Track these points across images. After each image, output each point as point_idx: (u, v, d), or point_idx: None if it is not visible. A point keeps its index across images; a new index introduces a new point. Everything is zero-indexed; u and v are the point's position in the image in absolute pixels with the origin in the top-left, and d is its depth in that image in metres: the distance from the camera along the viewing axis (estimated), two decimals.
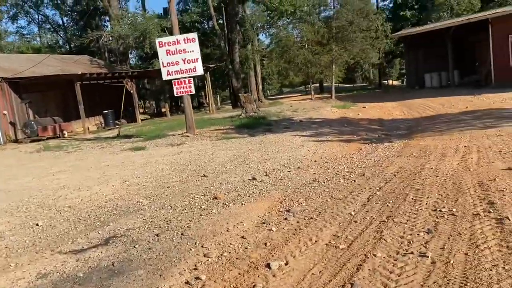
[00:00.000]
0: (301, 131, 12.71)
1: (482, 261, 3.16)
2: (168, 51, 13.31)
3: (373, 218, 4.42)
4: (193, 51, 13.37)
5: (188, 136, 13.57)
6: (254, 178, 6.96)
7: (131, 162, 9.76)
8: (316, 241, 3.99)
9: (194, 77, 13.93)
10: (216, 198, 5.94)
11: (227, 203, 5.67)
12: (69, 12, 43.63)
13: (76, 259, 4.15)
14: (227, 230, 4.60)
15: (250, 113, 18.10)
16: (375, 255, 3.49)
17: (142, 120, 25.58)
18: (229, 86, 33.81)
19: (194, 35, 13.55)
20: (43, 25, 45.86)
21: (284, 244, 4.02)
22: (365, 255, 3.53)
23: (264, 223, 4.73)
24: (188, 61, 13.37)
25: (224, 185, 6.72)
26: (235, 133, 13.73)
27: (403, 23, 37.30)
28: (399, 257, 3.42)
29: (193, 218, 5.13)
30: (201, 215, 5.25)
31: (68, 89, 21.00)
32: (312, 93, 29.92)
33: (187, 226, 4.84)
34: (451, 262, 3.21)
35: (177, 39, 13.31)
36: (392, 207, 4.69)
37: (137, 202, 6.21)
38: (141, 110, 33.72)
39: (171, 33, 15.45)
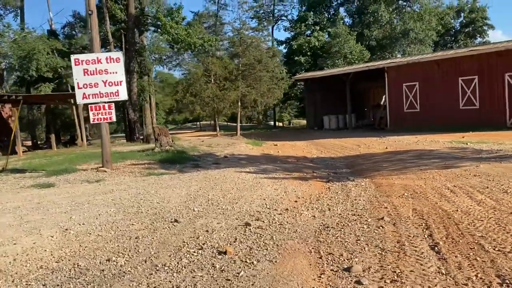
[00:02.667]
0: (240, 168, 11.55)
1: None
2: (86, 71, 11.22)
3: (481, 277, 3.46)
4: (116, 72, 11.51)
5: (105, 171, 11.41)
6: (248, 224, 5.58)
7: (51, 203, 7.53)
8: None
9: (113, 102, 11.94)
10: (225, 252, 4.45)
11: (247, 261, 4.23)
12: None
13: None
14: None
15: (166, 147, 16.34)
16: None
17: (23, 152, 21.81)
18: (124, 118, 31.20)
19: (119, 54, 11.73)
20: None
21: None
22: None
23: None
24: (110, 84, 11.44)
25: (215, 234, 5.21)
26: (160, 169, 11.98)
27: (297, 67, 39.05)
28: None
29: (223, 285, 3.60)
30: (228, 279, 3.74)
31: None
32: (218, 129, 29.03)
33: None
34: None
35: (98, 58, 11.33)
36: (483, 261, 3.79)
37: (108, 260, 4.39)
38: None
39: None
